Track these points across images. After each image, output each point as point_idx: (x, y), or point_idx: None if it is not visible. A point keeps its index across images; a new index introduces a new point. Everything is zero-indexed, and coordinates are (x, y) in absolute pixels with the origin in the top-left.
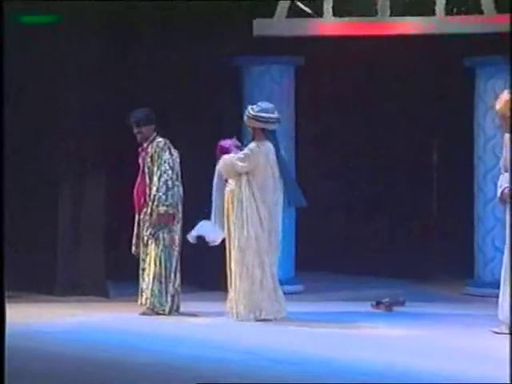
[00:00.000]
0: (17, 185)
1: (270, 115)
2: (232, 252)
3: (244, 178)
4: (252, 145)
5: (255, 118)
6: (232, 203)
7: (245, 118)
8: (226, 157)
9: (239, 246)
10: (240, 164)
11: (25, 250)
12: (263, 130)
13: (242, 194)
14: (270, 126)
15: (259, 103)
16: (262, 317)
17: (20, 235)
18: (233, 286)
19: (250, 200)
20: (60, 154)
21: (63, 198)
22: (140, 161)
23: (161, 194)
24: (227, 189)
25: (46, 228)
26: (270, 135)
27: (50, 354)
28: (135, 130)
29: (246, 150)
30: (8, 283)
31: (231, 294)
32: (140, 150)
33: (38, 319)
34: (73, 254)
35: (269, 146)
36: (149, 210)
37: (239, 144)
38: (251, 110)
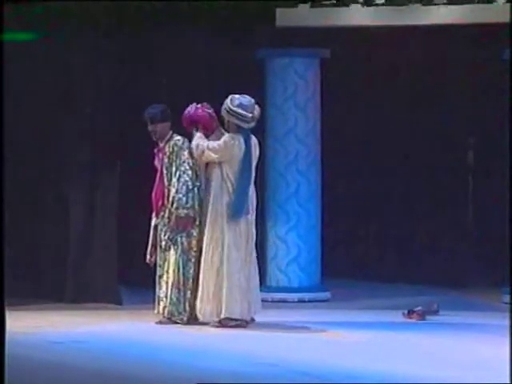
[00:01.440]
0: (27, 189)
1: (247, 113)
2: (202, 247)
3: (217, 171)
4: (226, 137)
5: (230, 113)
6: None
7: (222, 108)
8: (200, 143)
9: (209, 240)
10: (213, 155)
11: (34, 254)
12: (237, 125)
13: (214, 187)
14: (244, 125)
15: (241, 97)
16: (226, 316)
17: (29, 239)
18: (200, 283)
19: (222, 193)
20: (71, 156)
21: (74, 200)
22: (156, 162)
23: (180, 195)
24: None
25: (57, 232)
26: (244, 132)
27: (58, 364)
28: (150, 128)
29: (220, 141)
30: (16, 289)
31: (199, 292)
32: (156, 150)
33: (46, 328)
34: (84, 258)
35: (241, 140)
36: (167, 214)
37: (211, 110)
38: (230, 102)
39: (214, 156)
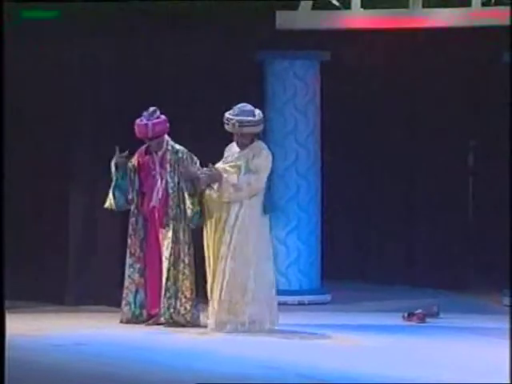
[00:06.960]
0: (27, 189)
1: (258, 117)
2: (220, 258)
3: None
4: (263, 153)
5: (244, 124)
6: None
7: (235, 126)
8: (231, 182)
9: (231, 252)
10: (262, 181)
11: (35, 257)
12: (253, 133)
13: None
14: (259, 129)
15: (240, 107)
16: (244, 328)
17: (30, 242)
18: (217, 293)
19: (246, 205)
20: (73, 156)
21: (76, 202)
22: (156, 170)
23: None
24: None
25: (58, 234)
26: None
27: (58, 367)
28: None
29: (262, 159)
30: (17, 292)
31: (212, 301)
32: (156, 158)
33: (47, 330)
34: (85, 261)
35: (265, 145)
36: (174, 225)
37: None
38: (235, 115)
39: (263, 180)
